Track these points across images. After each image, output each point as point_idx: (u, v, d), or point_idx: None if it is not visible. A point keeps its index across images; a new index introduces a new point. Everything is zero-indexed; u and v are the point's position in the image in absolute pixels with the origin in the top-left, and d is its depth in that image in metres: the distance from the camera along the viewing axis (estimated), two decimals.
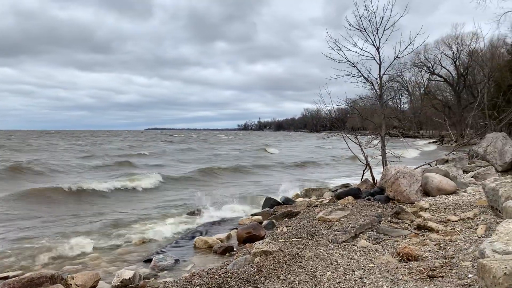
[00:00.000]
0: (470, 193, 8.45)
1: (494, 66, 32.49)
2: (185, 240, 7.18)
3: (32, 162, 19.97)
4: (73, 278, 4.60)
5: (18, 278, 4.50)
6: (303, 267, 4.29)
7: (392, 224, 6.14)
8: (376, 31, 10.71)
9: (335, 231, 5.75)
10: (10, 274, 5.40)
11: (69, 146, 42.59)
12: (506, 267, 2.76)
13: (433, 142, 48.87)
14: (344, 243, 5.20)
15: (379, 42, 10.80)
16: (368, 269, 4.20)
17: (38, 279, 4.41)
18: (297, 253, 4.83)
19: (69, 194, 11.79)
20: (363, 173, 11.74)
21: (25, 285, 4.32)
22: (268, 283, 3.95)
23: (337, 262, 4.45)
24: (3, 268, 5.74)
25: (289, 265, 4.42)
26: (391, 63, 11.20)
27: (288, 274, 4.13)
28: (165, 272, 5.38)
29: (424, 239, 5.31)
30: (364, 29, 10.76)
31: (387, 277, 3.93)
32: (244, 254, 5.44)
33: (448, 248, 4.83)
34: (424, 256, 4.56)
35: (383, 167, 10.10)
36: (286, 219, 7.66)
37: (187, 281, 4.32)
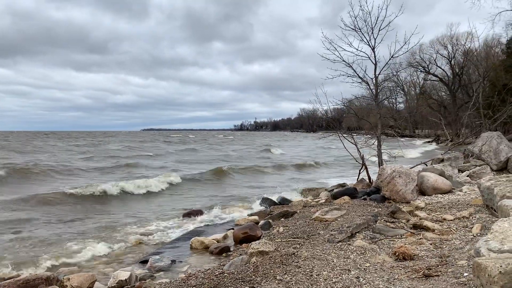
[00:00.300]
0: (465, 192, 8.49)
1: (489, 66, 32.66)
2: (182, 240, 7.17)
3: (38, 164, 19.85)
4: (69, 279, 4.58)
5: (14, 280, 4.48)
6: (300, 267, 4.30)
7: (388, 223, 6.15)
8: (371, 31, 10.75)
9: (331, 230, 5.76)
10: (6, 276, 5.38)
11: (70, 147, 41.86)
12: (501, 266, 2.77)
13: (429, 142, 49.06)
14: (340, 243, 5.20)
15: (375, 42, 10.84)
16: (364, 269, 4.21)
17: (33, 280, 4.39)
18: (294, 253, 4.83)
19: (79, 197, 11.69)
20: (359, 173, 11.77)
21: (20, 286, 4.30)
22: (264, 283, 3.95)
23: (333, 261, 4.46)
24: None
25: (285, 265, 4.42)
26: (387, 63, 11.26)
27: (285, 274, 4.13)
28: (162, 273, 5.38)
29: (420, 238, 5.33)
30: (360, 29, 10.80)
31: (383, 277, 3.94)
32: (240, 255, 5.44)
33: (444, 247, 4.85)
34: (420, 255, 4.58)
35: (379, 166, 10.13)
36: (282, 219, 7.67)
37: (184, 282, 4.32)
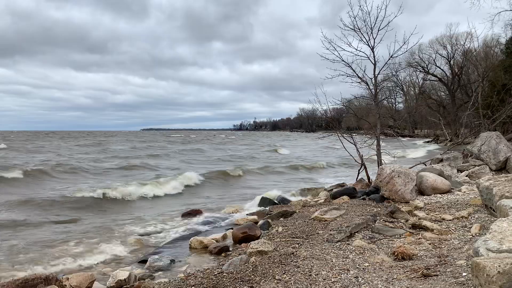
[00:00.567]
0: (464, 192, 8.49)
1: (488, 66, 32.66)
2: (181, 240, 7.17)
3: (62, 164, 19.85)
4: (68, 279, 4.58)
5: (13, 279, 4.47)
6: (299, 267, 4.30)
7: (387, 223, 6.16)
8: (370, 31, 10.75)
9: (330, 230, 5.76)
10: (5, 274, 5.37)
11: (76, 147, 41.22)
12: (500, 266, 2.78)
13: (428, 142, 49.10)
14: (339, 243, 5.21)
15: (374, 42, 10.84)
16: (363, 268, 4.21)
17: (32, 280, 4.38)
18: (293, 253, 4.84)
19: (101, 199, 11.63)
20: (358, 173, 11.77)
21: (19, 286, 4.29)
22: (263, 283, 3.95)
23: (332, 261, 4.46)
24: None
25: (284, 264, 4.43)
26: (386, 63, 11.26)
27: (284, 273, 4.13)
28: (161, 272, 5.37)
29: (419, 238, 5.33)
30: (359, 29, 10.80)
31: (382, 276, 3.94)
32: (239, 254, 5.44)
33: (443, 247, 4.85)
34: (418, 255, 4.58)
35: (378, 166, 10.13)
36: (281, 218, 7.67)
37: (183, 282, 4.32)
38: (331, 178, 17.32)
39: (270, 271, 4.26)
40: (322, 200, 9.27)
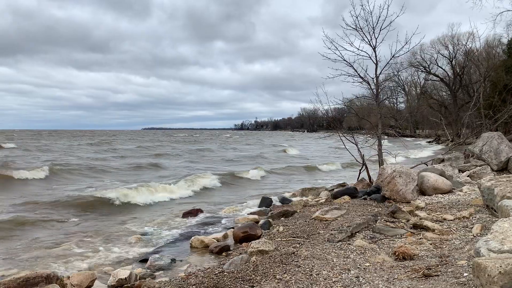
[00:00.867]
0: (465, 192, 8.48)
1: (490, 66, 32.63)
2: (182, 239, 7.18)
3: (81, 164, 19.95)
4: (68, 277, 4.58)
5: (14, 278, 4.47)
6: (299, 266, 4.30)
7: (388, 223, 6.15)
8: (372, 30, 10.74)
9: (331, 230, 5.76)
10: (6, 273, 5.38)
11: (86, 147, 40.96)
12: (501, 266, 2.77)
13: (429, 142, 49.05)
14: (340, 242, 5.21)
15: (376, 41, 10.83)
16: (364, 268, 4.21)
17: (33, 278, 4.39)
18: (293, 252, 4.83)
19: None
20: (360, 172, 11.76)
21: (20, 285, 4.30)
22: (264, 282, 3.95)
23: (333, 261, 4.46)
24: None
25: (285, 264, 4.43)
26: (388, 63, 11.24)
27: (284, 273, 4.13)
28: (161, 271, 5.38)
29: (420, 238, 5.33)
30: (361, 28, 10.79)
31: (383, 276, 3.94)
32: (240, 254, 5.44)
33: (444, 247, 4.85)
34: (420, 255, 4.58)
35: (379, 166, 10.12)
36: (282, 218, 7.67)
37: (183, 281, 4.32)
38: (354, 179, 17.11)
39: (271, 270, 4.26)
40: (323, 200, 9.27)
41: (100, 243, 7.06)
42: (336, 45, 10.74)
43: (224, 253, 5.99)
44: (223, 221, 8.65)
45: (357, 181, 11.28)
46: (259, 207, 10.09)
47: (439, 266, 4.07)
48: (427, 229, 5.70)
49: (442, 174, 9.17)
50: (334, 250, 4.88)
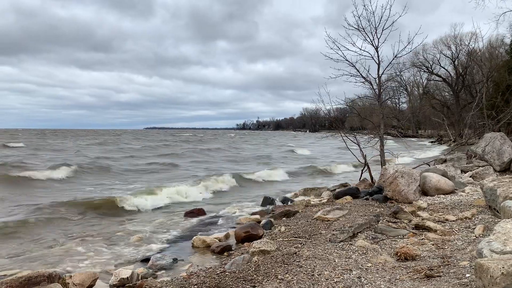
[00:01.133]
0: (468, 193, 8.46)
1: (492, 66, 32.53)
2: (183, 239, 7.18)
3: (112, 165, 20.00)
4: (70, 277, 4.59)
5: (16, 277, 4.49)
6: (301, 267, 4.29)
7: (390, 223, 6.14)
8: (375, 30, 10.73)
9: (333, 230, 5.75)
10: (8, 272, 5.40)
11: (94, 146, 40.66)
12: (503, 267, 2.76)
13: (432, 142, 48.94)
14: (342, 243, 5.20)
15: (378, 41, 10.82)
16: (366, 269, 4.20)
17: (35, 278, 4.40)
18: (295, 253, 4.83)
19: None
20: (362, 173, 11.75)
21: (22, 284, 4.31)
22: (266, 283, 3.95)
23: (335, 261, 4.46)
24: (1, 267, 5.72)
25: (287, 264, 4.42)
26: (390, 63, 11.23)
27: (286, 273, 4.13)
28: (163, 271, 5.38)
29: (422, 239, 5.32)
30: (363, 28, 10.78)
31: (385, 277, 3.93)
32: (242, 254, 5.44)
33: (446, 247, 4.84)
34: (422, 255, 4.57)
35: (382, 166, 10.11)
36: (284, 218, 7.66)
37: (185, 280, 4.32)
38: (356, 179, 16.80)
39: (273, 270, 4.26)
40: (325, 200, 9.26)
41: (102, 242, 7.07)
42: (338, 45, 10.74)
43: (225, 253, 5.99)
44: (225, 221, 8.65)
45: (359, 181, 11.28)
46: (261, 206, 10.09)
47: (441, 266, 4.06)
48: (429, 229, 5.69)
49: (444, 174, 9.15)
50: (336, 251, 4.87)
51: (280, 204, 9.97)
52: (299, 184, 14.86)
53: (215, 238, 6.78)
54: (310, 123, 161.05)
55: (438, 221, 6.17)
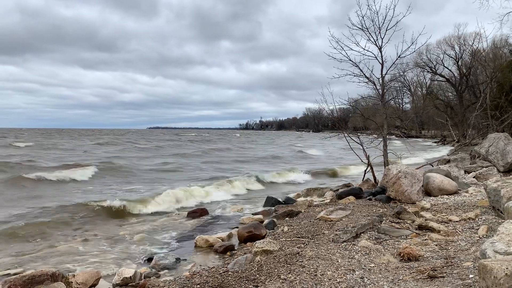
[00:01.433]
0: (471, 193, 8.43)
1: (496, 67, 32.36)
2: (186, 239, 7.20)
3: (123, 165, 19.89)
4: (74, 276, 4.61)
5: (20, 276, 4.51)
6: (304, 267, 4.29)
7: (393, 224, 6.13)
8: (378, 30, 10.72)
9: (336, 230, 5.74)
10: (12, 271, 5.42)
11: (103, 146, 40.25)
12: (507, 268, 2.75)
13: (435, 142, 48.79)
14: (345, 243, 5.19)
15: (382, 41, 10.81)
16: (369, 269, 4.20)
17: (39, 276, 4.42)
18: (298, 253, 4.83)
19: None
20: (365, 173, 11.73)
21: (26, 282, 4.33)
22: (268, 282, 3.95)
23: (337, 261, 4.45)
24: (5, 266, 5.75)
25: (289, 264, 4.42)
26: (394, 63, 11.21)
27: (289, 273, 4.13)
28: (166, 270, 5.39)
29: (425, 239, 5.30)
30: (367, 28, 10.77)
31: (388, 277, 3.92)
32: (245, 253, 5.44)
33: (449, 248, 4.82)
34: (425, 256, 4.56)
35: (385, 167, 10.09)
36: (287, 218, 7.67)
37: (188, 280, 4.33)
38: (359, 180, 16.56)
39: (275, 270, 4.26)
40: (328, 200, 9.25)
41: (105, 242, 7.09)
42: (342, 45, 10.75)
43: (228, 253, 6.00)
44: (227, 221, 8.66)
45: (362, 182, 11.26)
46: (264, 206, 10.09)
47: (445, 267, 4.05)
48: (432, 230, 5.67)
49: (447, 175, 9.12)
50: (339, 251, 4.87)
51: (283, 204, 9.96)
52: (325, 185, 14.59)
53: (218, 237, 6.79)
54: (313, 123, 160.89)
55: (442, 222, 6.15)
